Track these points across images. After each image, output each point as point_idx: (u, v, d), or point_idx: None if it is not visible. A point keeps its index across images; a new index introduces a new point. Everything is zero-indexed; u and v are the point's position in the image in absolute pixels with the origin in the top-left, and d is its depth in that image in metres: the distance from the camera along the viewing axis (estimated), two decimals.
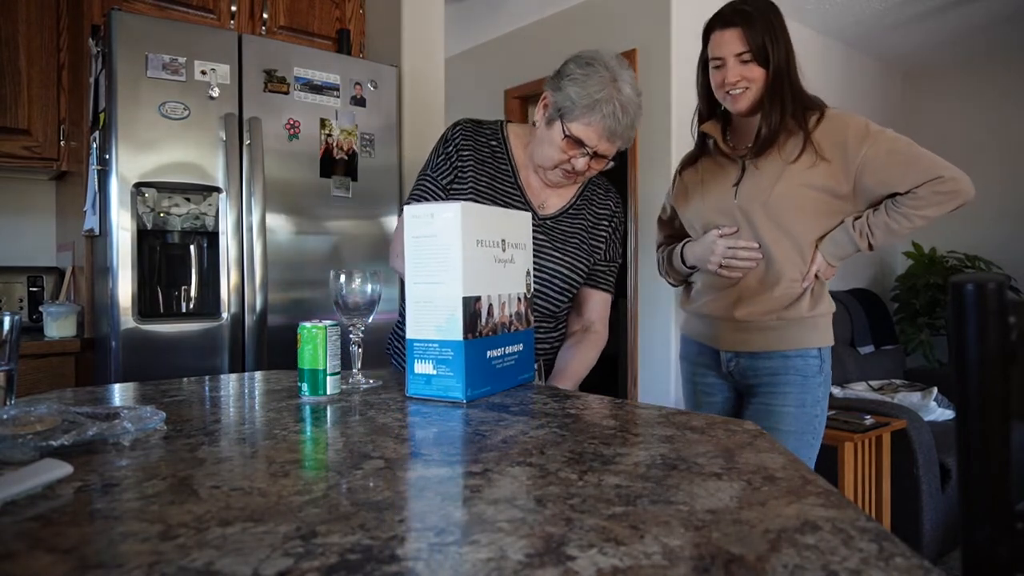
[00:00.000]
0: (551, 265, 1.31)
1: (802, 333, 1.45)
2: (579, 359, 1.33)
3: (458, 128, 1.35)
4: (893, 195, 1.37)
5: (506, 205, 1.31)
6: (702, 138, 1.57)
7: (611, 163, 1.29)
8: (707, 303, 1.53)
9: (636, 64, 3.43)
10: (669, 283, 1.71)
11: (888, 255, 4.52)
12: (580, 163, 1.24)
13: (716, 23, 1.43)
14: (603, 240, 1.38)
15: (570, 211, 1.36)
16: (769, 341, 1.45)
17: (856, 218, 1.42)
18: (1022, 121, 4.41)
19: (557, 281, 1.32)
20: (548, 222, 1.34)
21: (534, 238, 1.32)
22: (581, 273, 1.35)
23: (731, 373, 1.53)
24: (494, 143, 1.36)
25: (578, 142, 1.22)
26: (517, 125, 1.40)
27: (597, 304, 1.40)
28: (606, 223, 1.39)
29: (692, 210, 1.56)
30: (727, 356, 1.52)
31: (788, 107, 1.39)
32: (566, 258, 1.32)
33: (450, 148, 1.33)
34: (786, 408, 1.43)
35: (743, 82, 1.40)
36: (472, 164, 1.32)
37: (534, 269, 1.30)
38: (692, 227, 1.58)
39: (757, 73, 1.39)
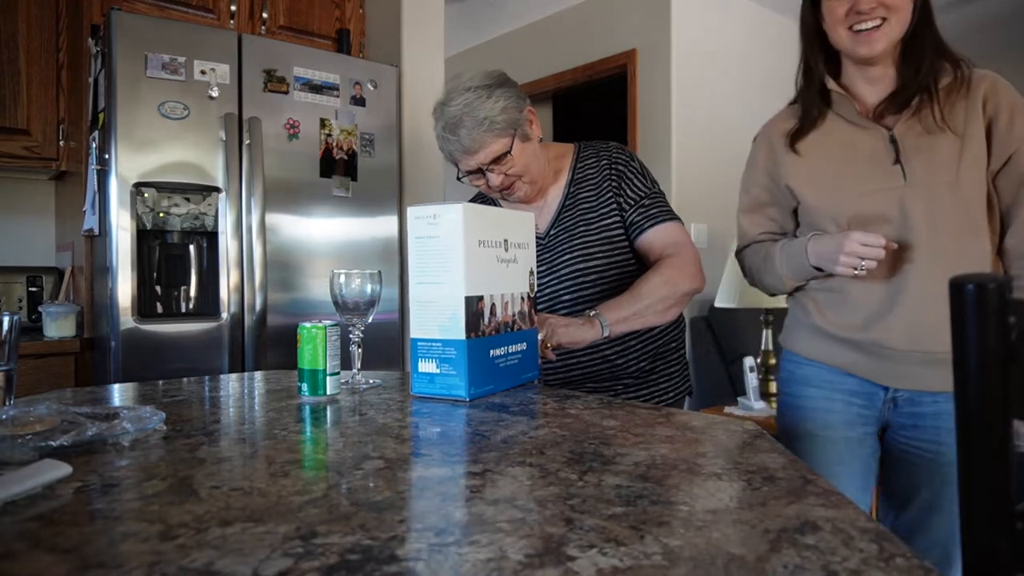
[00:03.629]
0: (572, 267, 1.31)
1: None
2: (635, 285, 1.22)
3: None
4: None
5: None
6: (820, 100, 1.16)
7: (509, 162, 1.26)
8: (869, 325, 1.11)
9: (636, 64, 3.43)
10: (769, 291, 1.30)
11: None
12: (492, 180, 1.29)
13: None
14: (613, 201, 1.33)
15: (564, 207, 1.36)
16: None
17: None
18: None
19: (591, 277, 1.32)
20: (551, 232, 1.35)
21: (545, 255, 1.34)
22: (607, 252, 1.32)
23: (885, 403, 1.18)
24: (488, 203, 1.43)
25: (472, 172, 1.30)
26: None
27: (656, 242, 1.30)
28: (607, 183, 1.34)
29: (834, 199, 1.15)
30: (886, 390, 1.16)
31: (947, 53, 1.05)
32: (584, 251, 1.32)
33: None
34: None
35: (880, 10, 1.00)
36: None
37: (564, 282, 1.32)
38: (831, 220, 1.16)
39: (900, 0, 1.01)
